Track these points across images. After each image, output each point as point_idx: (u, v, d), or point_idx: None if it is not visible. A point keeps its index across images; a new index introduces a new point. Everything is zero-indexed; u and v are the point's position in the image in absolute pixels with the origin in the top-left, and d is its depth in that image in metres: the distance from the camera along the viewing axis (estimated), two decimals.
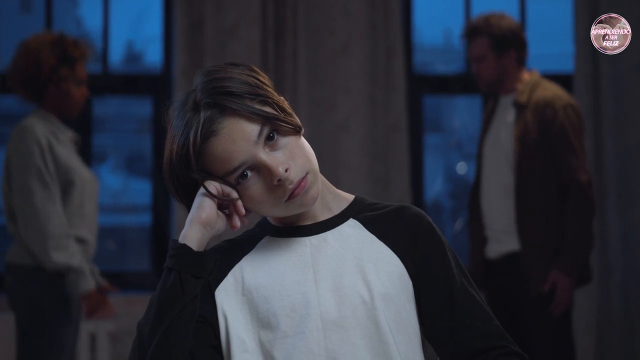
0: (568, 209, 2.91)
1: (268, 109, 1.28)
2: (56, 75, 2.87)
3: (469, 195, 3.20)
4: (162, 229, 3.96)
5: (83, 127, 3.81)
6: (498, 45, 3.03)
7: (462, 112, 5.97)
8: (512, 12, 3.24)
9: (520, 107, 3.00)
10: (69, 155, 2.91)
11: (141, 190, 4.76)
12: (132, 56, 6.00)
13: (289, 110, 1.32)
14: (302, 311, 1.29)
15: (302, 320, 1.28)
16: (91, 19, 5.46)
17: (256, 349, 1.29)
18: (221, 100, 1.26)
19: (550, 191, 2.94)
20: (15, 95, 2.98)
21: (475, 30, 3.07)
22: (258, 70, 1.33)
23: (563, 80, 3.74)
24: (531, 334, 2.95)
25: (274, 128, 1.28)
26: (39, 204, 2.76)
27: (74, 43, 2.92)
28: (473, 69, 3.13)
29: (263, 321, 1.30)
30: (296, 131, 1.31)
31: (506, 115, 3.07)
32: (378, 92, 3.82)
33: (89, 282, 2.80)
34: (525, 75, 3.06)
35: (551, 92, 2.99)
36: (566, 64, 3.90)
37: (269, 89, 1.31)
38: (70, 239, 2.79)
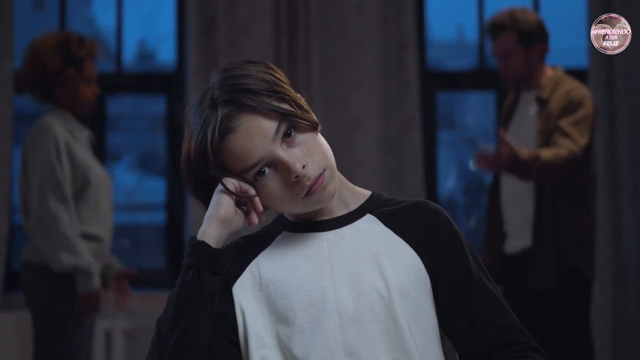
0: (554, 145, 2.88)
1: (285, 106, 1.29)
2: (62, 77, 2.88)
3: (489, 190, 3.20)
4: (176, 227, 3.97)
5: (97, 125, 3.83)
6: (526, 40, 3.01)
7: (475, 108, 5.96)
8: (526, 6, 3.24)
9: (542, 102, 3.00)
10: (85, 154, 2.92)
11: (155, 189, 4.78)
12: (145, 55, 6.02)
13: (306, 107, 1.32)
14: (320, 306, 1.29)
15: (319, 315, 1.29)
16: (104, 18, 5.49)
17: (274, 344, 1.30)
18: (238, 97, 1.26)
19: (571, 187, 2.94)
20: (30, 97, 2.99)
21: (501, 26, 3.03)
22: (274, 67, 1.33)
23: (577, 75, 3.72)
24: (549, 330, 2.95)
25: (291, 125, 1.29)
26: (51, 204, 2.77)
27: (79, 42, 2.91)
28: (499, 66, 3.10)
29: (280, 316, 1.30)
30: (313, 128, 1.31)
31: (528, 111, 3.06)
32: (391, 88, 3.82)
33: (94, 283, 2.79)
34: (549, 71, 3.05)
35: (573, 85, 3.00)
36: (580, 59, 3.88)
37: (286, 86, 1.31)
38: (79, 239, 2.79)
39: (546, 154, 2.86)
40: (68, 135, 2.88)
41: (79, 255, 2.76)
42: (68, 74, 2.88)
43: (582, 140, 2.90)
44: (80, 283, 2.77)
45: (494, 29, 3.06)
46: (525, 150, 2.87)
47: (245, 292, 1.32)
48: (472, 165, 2.90)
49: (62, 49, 2.88)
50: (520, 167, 2.85)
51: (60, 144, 2.83)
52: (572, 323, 2.93)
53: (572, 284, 2.93)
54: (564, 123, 2.92)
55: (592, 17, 3.73)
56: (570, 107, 2.94)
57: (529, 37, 3.00)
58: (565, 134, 2.91)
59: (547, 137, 2.95)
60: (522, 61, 3.02)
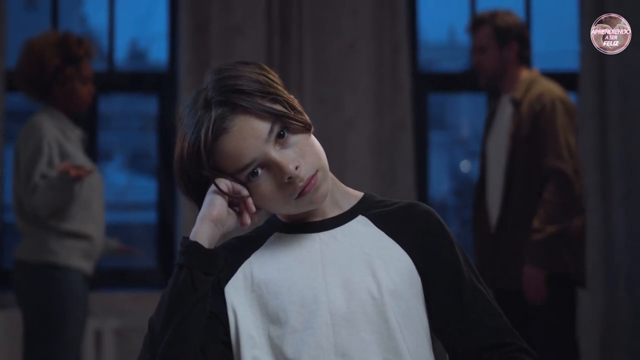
0: (545, 198, 2.89)
1: (278, 107, 1.29)
2: (61, 75, 2.88)
3: (474, 192, 3.22)
4: (167, 227, 3.96)
5: (89, 124, 3.82)
6: (501, 36, 3.06)
7: (466, 110, 5.97)
8: (517, 10, 3.27)
9: (516, 104, 3.03)
10: (77, 152, 2.92)
11: (146, 188, 4.77)
12: (138, 54, 6.01)
13: (299, 108, 1.33)
14: (311, 306, 1.30)
15: (311, 315, 1.29)
16: (96, 17, 5.48)
17: (265, 344, 1.30)
18: (232, 98, 1.27)
19: (538, 191, 2.95)
20: (22, 94, 2.99)
21: (480, 21, 3.12)
22: (268, 68, 1.34)
23: (569, 78, 3.75)
24: (533, 332, 2.96)
25: (285, 126, 1.29)
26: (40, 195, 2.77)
27: (78, 42, 2.93)
28: (474, 61, 3.17)
29: (272, 317, 1.30)
30: (306, 129, 1.32)
31: (505, 113, 3.09)
32: (383, 89, 3.82)
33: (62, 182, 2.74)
34: (524, 73, 3.08)
35: (545, 87, 3.01)
36: (572, 62, 3.90)
37: (279, 87, 1.32)
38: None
39: (543, 216, 2.88)
40: (59, 134, 2.88)
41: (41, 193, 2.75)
42: (67, 73, 2.89)
43: (566, 153, 2.92)
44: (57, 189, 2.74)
45: (474, 23, 3.15)
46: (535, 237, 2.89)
47: (237, 293, 1.33)
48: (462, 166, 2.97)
49: (61, 48, 2.89)
50: (543, 263, 2.90)
51: (51, 143, 2.83)
52: (556, 326, 2.94)
53: (556, 285, 2.95)
54: (549, 159, 2.91)
55: (584, 20, 3.74)
56: (543, 117, 2.95)
57: (505, 33, 3.06)
58: (551, 148, 2.92)
59: (518, 142, 2.98)
60: (496, 57, 3.07)
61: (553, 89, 3.01)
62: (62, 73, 2.88)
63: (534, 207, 2.94)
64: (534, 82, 3.04)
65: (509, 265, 2.99)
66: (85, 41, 2.95)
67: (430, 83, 4.09)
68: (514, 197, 2.99)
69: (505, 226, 3.00)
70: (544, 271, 2.89)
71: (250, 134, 1.27)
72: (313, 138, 1.33)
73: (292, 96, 1.34)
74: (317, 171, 1.30)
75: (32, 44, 2.92)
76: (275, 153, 1.28)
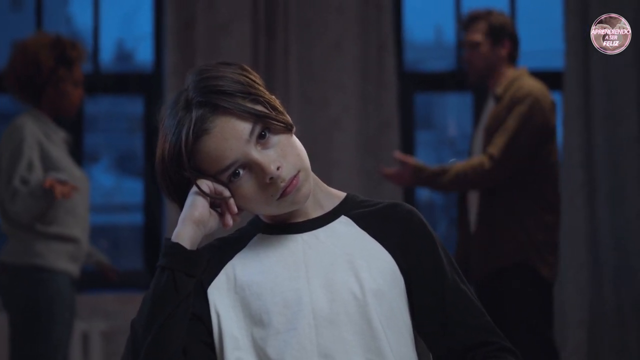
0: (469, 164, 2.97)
1: (259, 108, 1.29)
2: (55, 77, 2.88)
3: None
4: (154, 228, 3.96)
5: (75, 126, 3.80)
6: (495, 34, 3.07)
7: (453, 109, 5.98)
8: (502, 8, 3.28)
9: (497, 99, 3.04)
10: (60, 154, 2.91)
11: (133, 189, 4.76)
12: (123, 55, 5.99)
13: (281, 108, 1.32)
14: (294, 307, 1.29)
15: (294, 316, 1.29)
16: (81, 17, 5.45)
17: (249, 345, 1.30)
18: (213, 98, 1.27)
19: (508, 186, 2.97)
20: (11, 95, 2.98)
21: (475, 17, 3.12)
22: (249, 69, 1.34)
23: (554, 77, 3.76)
24: (509, 328, 2.97)
25: (266, 126, 1.29)
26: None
27: (71, 44, 2.93)
28: (465, 57, 3.17)
29: (255, 318, 1.30)
30: (288, 129, 1.31)
31: (488, 109, 3.11)
32: (369, 89, 3.83)
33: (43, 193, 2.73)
34: (511, 71, 3.09)
35: (525, 84, 3.01)
36: (557, 61, 3.91)
37: (261, 88, 1.32)
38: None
39: (456, 166, 2.98)
40: (42, 136, 2.87)
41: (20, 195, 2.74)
42: (60, 75, 2.89)
43: (501, 142, 2.93)
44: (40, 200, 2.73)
45: (468, 19, 3.15)
46: (431, 168, 3.02)
47: (220, 294, 1.32)
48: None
49: (55, 49, 2.89)
50: (426, 182, 3.04)
51: (32, 145, 2.82)
52: (529, 322, 2.95)
53: (525, 284, 2.96)
54: (504, 122, 2.96)
55: (569, 20, 3.75)
56: (511, 103, 2.98)
57: (499, 31, 3.07)
58: (501, 131, 2.95)
59: (489, 137, 2.99)
60: (487, 54, 3.08)
61: (533, 85, 3.01)
62: (55, 74, 2.88)
63: (511, 202, 2.96)
64: (517, 79, 3.05)
65: (484, 259, 3.00)
66: (78, 44, 2.97)
67: (417, 82, 4.10)
68: (488, 194, 3.01)
69: (482, 223, 3.01)
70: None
71: (232, 135, 1.26)
72: (295, 138, 1.33)
73: (273, 97, 1.33)
74: (298, 171, 1.30)
75: (26, 45, 2.91)
76: (257, 153, 1.28)
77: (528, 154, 2.95)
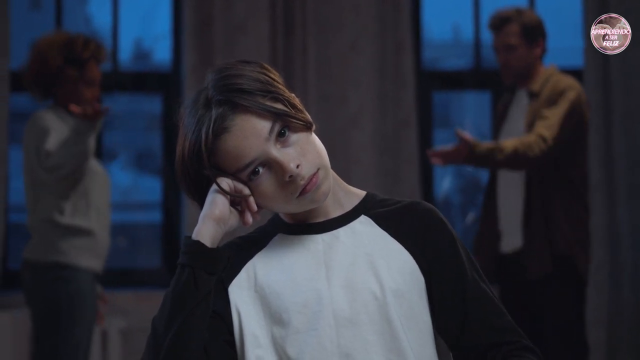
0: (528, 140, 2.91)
1: (279, 106, 1.29)
2: (62, 75, 2.89)
3: (485, 189, 3.21)
4: (172, 226, 3.97)
5: None
6: (529, 35, 3.05)
7: (471, 108, 5.96)
8: (522, 6, 3.25)
9: (533, 95, 3.02)
10: None
11: (151, 188, 4.78)
12: (142, 54, 6.02)
13: (300, 106, 1.32)
14: (315, 307, 1.29)
15: (314, 316, 1.29)
16: (100, 17, 5.48)
17: (269, 344, 1.30)
18: (233, 97, 1.27)
19: (558, 183, 2.96)
20: (30, 94, 3.01)
21: (506, 18, 3.07)
22: (269, 67, 1.33)
23: (573, 75, 3.74)
24: (545, 329, 2.96)
25: (285, 124, 1.29)
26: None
27: (84, 44, 2.92)
28: (499, 60, 3.13)
29: (275, 317, 1.30)
30: (307, 127, 1.31)
31: (522, 107, 3.09)
32: (387, 87, 3.82)
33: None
34: (543, 69, 3.09)
35: (563, 78, 3.02)
36: (576, 59, 3.88)
37: (280, 86, 1.31)
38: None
39: (509, 143, 2.90)
40: (64, 128, 2.88)
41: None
42: (68, 74, 2.89)
43: (556, 122, 2.91)
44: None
45: (499, 21, 3.10)
46: (485, 144, 2.92)
47: (241, 292, 1.32)
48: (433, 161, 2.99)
49: (65, 49, 2.90)
50: (482, 159, 2.91)
51: (57, 130, 2.84)
52: (567, 320, 2.94)
53: (567, 278, 2.95)
54: (544, 110, 2.95)
55: (588, 17, 3.72)
56: (554, 95, 2.97)
57: (533, 32, 3.05)
58: (542, 117, 2.94)
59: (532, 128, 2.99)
60: (525, 55, 3.06)
61: (571, 80, 3.04)
62: (63, 73, 2.89)
63: (556, 196, 2.95)
64: (552, 75, 3.05)
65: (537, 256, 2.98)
66: (92, 43, 2.94)
67: (435, 81, 4.09)
68: (535, 192, 2.99)
69: (532, 217, 2.98)
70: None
71: (251, 133, 1.26)
72: (314, 136, 1.33)
73: (293, 95, 1.33)
74: (318, 169, 1.29)
75: (40, 44, 2.94)
76: (276, 152, 1.28)
77: (574, 139, 2.97)
